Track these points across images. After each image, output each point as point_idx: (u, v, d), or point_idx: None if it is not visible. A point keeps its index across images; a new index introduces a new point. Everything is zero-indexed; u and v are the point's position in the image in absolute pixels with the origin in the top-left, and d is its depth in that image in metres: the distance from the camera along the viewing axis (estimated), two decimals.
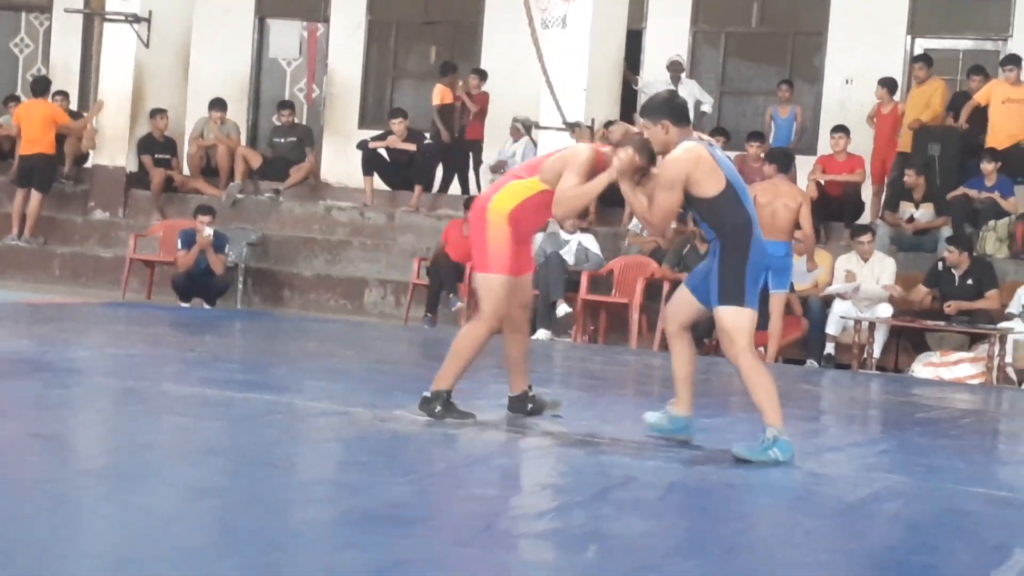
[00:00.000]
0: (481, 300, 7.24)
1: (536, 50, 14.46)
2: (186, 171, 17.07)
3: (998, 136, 14.44)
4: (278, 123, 17.52)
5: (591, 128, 14.75)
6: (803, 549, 5.21)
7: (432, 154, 16.62)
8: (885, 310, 12.75)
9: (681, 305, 7.03)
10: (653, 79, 16.53)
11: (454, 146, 16.83)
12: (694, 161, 6.71)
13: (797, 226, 12.14)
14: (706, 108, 16.32)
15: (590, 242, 13.93)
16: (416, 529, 4.97)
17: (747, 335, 6.75)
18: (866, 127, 15.53)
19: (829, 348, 12.85)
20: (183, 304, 14.21)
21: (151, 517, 4.87)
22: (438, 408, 7.19)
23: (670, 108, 6.90)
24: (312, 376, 9.36)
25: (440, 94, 16.94)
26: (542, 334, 13.12)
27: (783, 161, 12.76)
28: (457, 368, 7.22)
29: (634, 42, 16.66)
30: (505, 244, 7.14)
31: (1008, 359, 12.28)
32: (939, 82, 15.24)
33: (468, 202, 14.57)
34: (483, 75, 17.08)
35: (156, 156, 16.62)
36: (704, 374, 11.30)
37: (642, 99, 16.95)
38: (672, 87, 15.96)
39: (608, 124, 14.81)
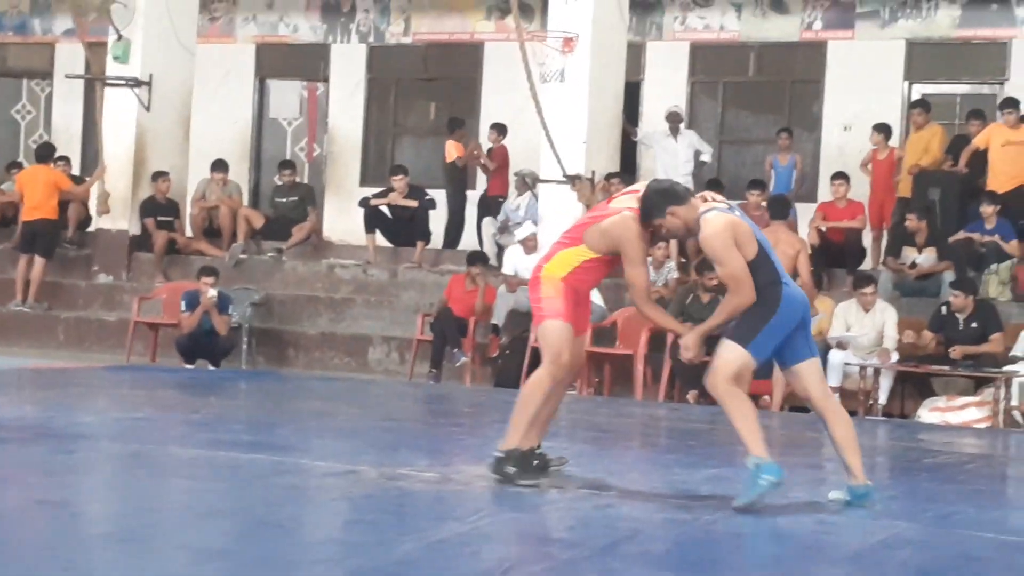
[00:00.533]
0: (542, 349, 7.20)
1: (535, 104, 14.53)
2: (189, 233, 17.11)
3: (999, 179, 14.48)
4: (279, 183, 17.58)
5: (591, 180, 14.79)
6: None
7: (457, 210, 16.79)
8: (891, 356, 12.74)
9: (793, 379, 7.07)
10: (652, 130, 16.60)
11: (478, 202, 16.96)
12: (730, 226, 6.80)
13: (796, 273, 12.15)
14: (706, 158, 16.37)
15: (593, 294, 13.91)
16: None
17: (733, 372, 6.75)
18: (865, 173, 15.59)
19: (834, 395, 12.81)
20: (188, 366, 14.20)
21: None
22: (511, 468, 7.06)
23: (665, 195, 6.97)
24: (318, 435, 9.34)
25: (452, 150, 17.02)
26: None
27: (775, 208, 12.80)
28: (524, 420, 7.11)
29: (632, 94, 16.72)
30: (559, 295, 7.14)
31: (1014, 402, 12.26)
32: (937, 127, 15.32)
33: (472, 257, 14.61)
34: (502, 130, 17.14)
35: (159, 219, 16.66)
36: (710, 424, 11.29)
37: (641, 150, 17.05)
38: (671, 137, 16.06)
39: (609, 176, 14.87)
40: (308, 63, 19.53)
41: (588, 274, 7.23)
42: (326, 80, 19.46)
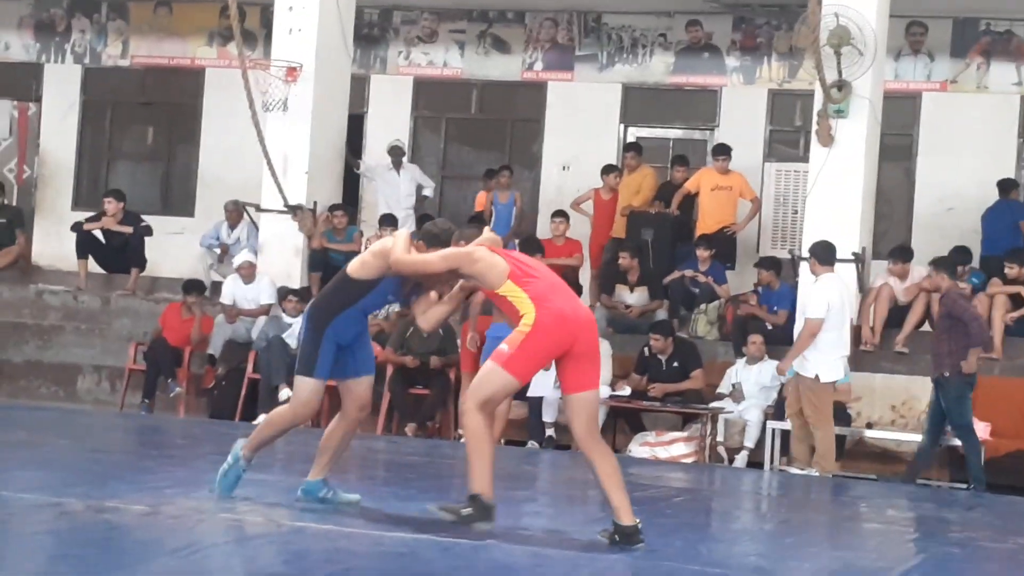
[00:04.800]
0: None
1: (257, 133, 14.38)
2: None
3: (707, 221, 15.02)
4: None
5: (313, 211, 14.70)
6: None
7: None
8: (603, 391, 13.00)
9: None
10: (375, 163, 16.63)
11: None
12: None
13: None
14: (428, 192, 16.49)
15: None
16: None
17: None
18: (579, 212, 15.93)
19: (550, 430, 13.02)
20: None
21: None
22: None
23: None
24: (21, 466, 8.97)
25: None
26: (263, 419, 12.90)
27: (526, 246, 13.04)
28: (480, 466, 6.96)
29: (356, 126, 16.72)
30: None
31: (719, 438, 12.68)
32: (649, 170, 15.83)
33: (188, 286, 14.31)
34: None
35: None
36: (427, 456, 11.34)
37: (364, 183, 17.04)
38: (393, 171, 16.12)
39: (333, 208, 14.81)
40: (19, 82, 18.88)
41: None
42: (38, 100, 18.84)
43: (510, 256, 7.28)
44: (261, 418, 12.89)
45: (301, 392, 7.44)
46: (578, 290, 15.13)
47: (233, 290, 14.37)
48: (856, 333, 13.70)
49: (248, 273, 14.33)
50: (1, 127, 19.25)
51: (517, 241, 14.45)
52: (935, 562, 7.51)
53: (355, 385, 7.53)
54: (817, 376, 11.62)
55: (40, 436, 11.14)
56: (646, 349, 13.19)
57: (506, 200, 16.21)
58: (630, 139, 16.93)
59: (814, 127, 13.75)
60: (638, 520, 6.87)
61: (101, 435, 11.97)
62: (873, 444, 12.84)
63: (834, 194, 13.59)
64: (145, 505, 7.22)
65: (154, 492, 7.73)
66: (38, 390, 14.68)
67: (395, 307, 14.28)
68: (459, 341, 13.18)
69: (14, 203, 18.17)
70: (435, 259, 7.20)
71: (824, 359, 11.61)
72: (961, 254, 13.85)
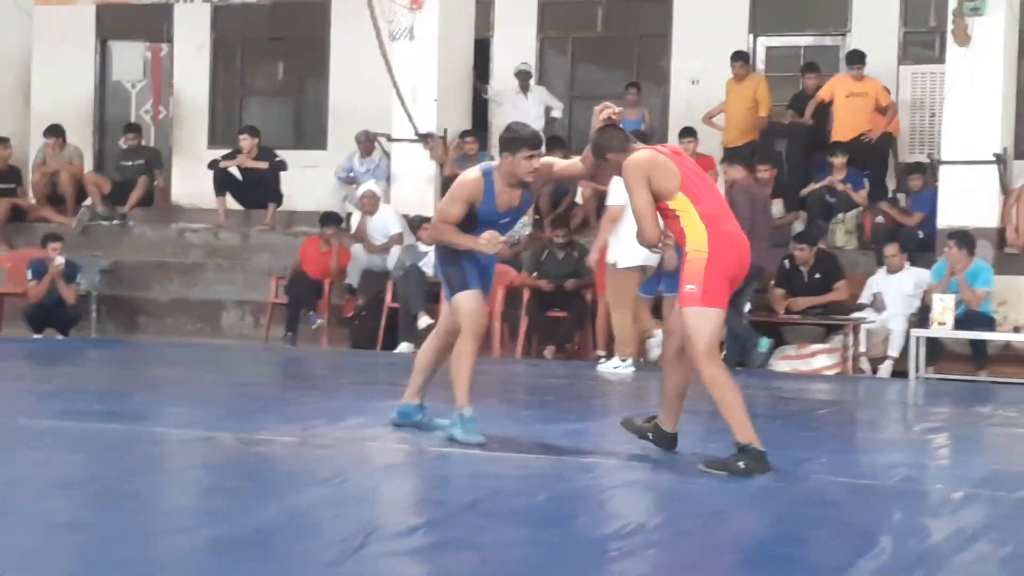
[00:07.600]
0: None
1: (384, 62, 14.42)
2: (32, 200, 16.71)
3: (843, 129, 14.75)
4: (125, 147, 17.24)
5: (444, 138, 14.74)
6: (676, 549, 5.26)
7: None
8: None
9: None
10: (502, 87, 16.59)
11: None
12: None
13: None
14: (556, 114, 16.42)
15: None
16: (287, 553, 4.91)
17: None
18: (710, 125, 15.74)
19: None
20: (35, 336, 13.89)
21: (11, 555, 4.74)
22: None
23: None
24: (172, 402, 9.20)
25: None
26: (404, 347, 13.06)
27: None
28: (735, 415, 6.67)
29: (482, 51, 16.68)
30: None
31: (862, 349, 12.54)
32: (760, 76, 15.60)
33: (325, 218, 14.46)
34: None
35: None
36: (567, 379, 11.37)
37: (492, 108, 17.02)
38: (521, 94, 16.07)
39: (463, 135, 14.84)
40: (151, 24, 19.12)
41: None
42: (170, 41, 19.08)
43: (681, 160, 6.79)
44: (403, 346, 13.08)
45: (464, 308, 7.24)
46: None
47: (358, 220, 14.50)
48: (1000, 235, 13.42)
49: (369, 204, 14.35)
50: (135, 69, 19.54)
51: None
52: None
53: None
54: (615, 263, 11.54)
55: (188, 372, 11.40)
56: (786, 262, 13.05)
57: (634, 118, 16.06)
58: (760, 50, 16.67)
59: (950, 27, 13.40)
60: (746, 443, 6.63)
61: (247, 369, 12.20)
62: (1021, 348, 12.59)
63: (972, 95, 13.27)
64: (294, 436, 7.35)
65: (302, 423, 7.86)
66: (184, 327, 14.98)
67: (527, 230, 14.31)
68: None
69: (152, 144, 18.48)
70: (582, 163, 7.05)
71: (623, 247, 11.42)
72: None
